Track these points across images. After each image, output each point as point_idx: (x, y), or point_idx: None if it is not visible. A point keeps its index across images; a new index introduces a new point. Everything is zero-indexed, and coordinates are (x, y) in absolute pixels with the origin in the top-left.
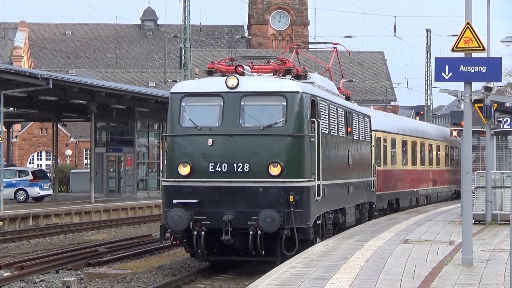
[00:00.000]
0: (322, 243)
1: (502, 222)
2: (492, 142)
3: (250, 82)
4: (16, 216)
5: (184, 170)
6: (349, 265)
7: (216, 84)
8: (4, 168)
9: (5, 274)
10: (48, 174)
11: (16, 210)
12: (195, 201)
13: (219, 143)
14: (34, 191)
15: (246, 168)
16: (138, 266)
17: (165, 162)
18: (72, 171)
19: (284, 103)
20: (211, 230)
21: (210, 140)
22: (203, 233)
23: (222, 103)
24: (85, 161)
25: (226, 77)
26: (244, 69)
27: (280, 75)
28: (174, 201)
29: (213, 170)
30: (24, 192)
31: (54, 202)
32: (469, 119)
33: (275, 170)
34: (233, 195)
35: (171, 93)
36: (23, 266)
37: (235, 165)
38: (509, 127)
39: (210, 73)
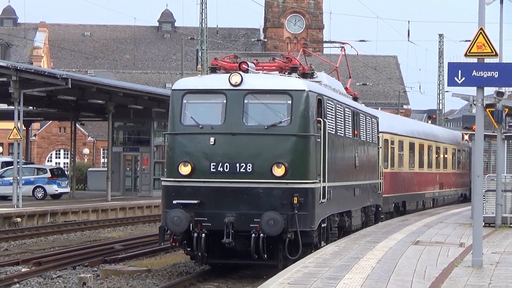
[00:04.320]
0: (334, 243)
1: None
2: (503, 146)
3: (254, 80)
4: (34, 213)
5: (185, 169)
6: (361, 266)
7: (219, 81)
8: (23, 166)
9: (23, 270)
10: (66, 172)
11: (34, 207)
12: (195, 202)
13: (221, 142)
14: (52, 188)
15: (249, 169)
16: (153, 264)
17: (166, 161)
18: (90, 169)
19: (289, 102)
20: (212, 232)
21: (212, 139)
22: (203, 235)
23: (225, 101)
24: (102, 160)
25: (229, 74)
26: (248, 66)
27: (286, 73)
28: (174, 201)
29: (214, 170)
30: (42, 190)
31: (72, 199)
32: (481, 123)
33: (279, 171)
34: (235, 196)
35: (173, 90)
36: (41, 262)
37: (237, 165)
38: None
39: (214, 70)
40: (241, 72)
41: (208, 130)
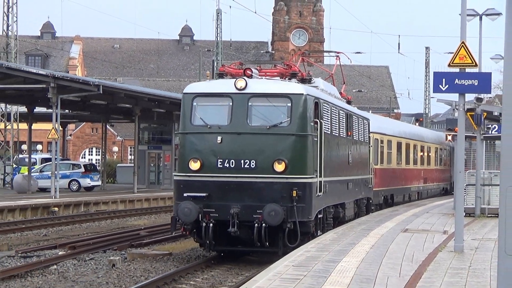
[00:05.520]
0: (333, 230)
1: (489, 215)
2: (481, 146)
3: (258, 84)
4: (69, 203)
5: (195, 165)
6: (357, 250)
7: (226, 85)
8: (60, 162)
9: (60, 253)
10: (97, 168)
11: (70, 198)
12: (204, 194)
13: (228, 141)
14: (86, 181)
15: (253, 165)
16: (174, 248)
17: (177, 158)
18: (118, 165)
19: (289, 104)
20: (219, 222)
21: (219, 138)
22: (211, 225)
23: (231, 103)
24: (129, 157)
25: (235, 79)
26: (252, 72)
27: (286, 78)
28: (185, 194)
29: (221, 166)
30: (76, 183)
31: (103, 191)
32: (462, 125)
33: (279, 167)
34: (240, 190)
35: (184, 93)
36: (75, 246)
37: (242, 161)
38: (496, 133)
39: (221, 75)
40: (245, 78)
41: (215, 129)
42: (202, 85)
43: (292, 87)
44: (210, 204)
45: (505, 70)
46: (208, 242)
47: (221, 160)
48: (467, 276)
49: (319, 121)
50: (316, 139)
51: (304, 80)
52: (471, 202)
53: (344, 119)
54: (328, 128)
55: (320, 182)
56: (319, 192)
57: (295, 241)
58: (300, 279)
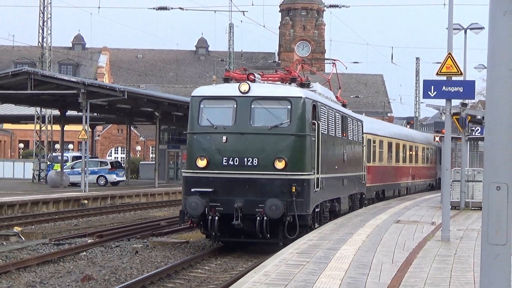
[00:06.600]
0: (333, 221)
1: (473, 208)
2: (466, 146)
3: (260, 88)
4: (97, 196)
5: (202, 163)
6: (354, 239)
7: (231, 89)
8: (89, 159)
9: (89, 241)
10: (122, 165)
11: (98, 192)
12: (210, 190)
13: (232, 140)
14: (112, 177)
15: (255, 162)
16: (191, 237)
17: (186, 156)
18: (141, 162)
19: (289, 107)
20: (224, 215)
21: (224, 138)
22: (216, 218)
23: (235, 106)
24: (151, 155)
25: (239, 83)
26: (255, 77)
27: (286, 83)
28: (192, 189)
29: (226, 163)
30: (104, 178)
31: (127, 186)
32: (449, 128)
33: (280, 165)
34: (243, 185)
35: (192, 96)
36: (103, 235)
37: (245, 159)
38: (479, 134)
39: (226, 80)
40: (249, 82)
41: (221, 130)
42: (208, 89)
43: (292, 90)
44: (216, 199)
45: (488, 78)
46: (213, 234)
47: (226, 158)
48: (453, 262)
49: (317, 122)
50: (314, 139)
51: (303, 85)
52: (457, 197)
53: (339, 121)
54: (325, 129)
55: (318, 178)
56: (316, 187)
57: (294, 233)
58: (304, 264)
